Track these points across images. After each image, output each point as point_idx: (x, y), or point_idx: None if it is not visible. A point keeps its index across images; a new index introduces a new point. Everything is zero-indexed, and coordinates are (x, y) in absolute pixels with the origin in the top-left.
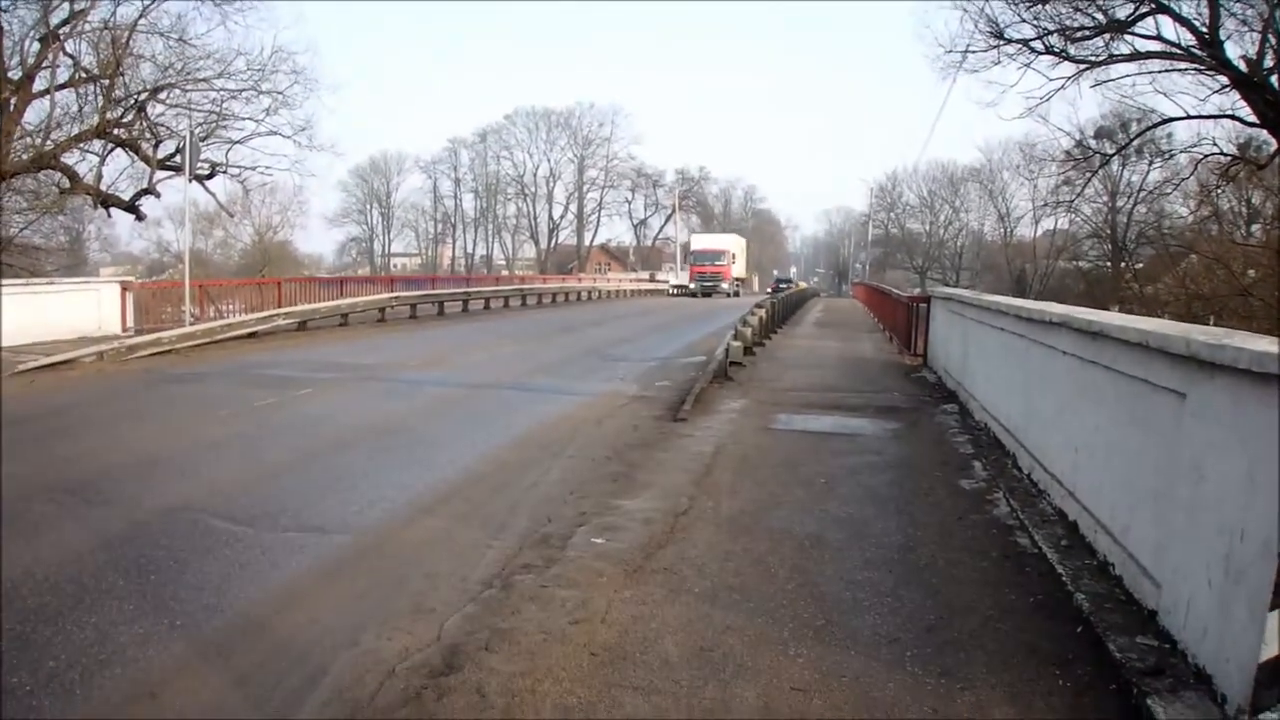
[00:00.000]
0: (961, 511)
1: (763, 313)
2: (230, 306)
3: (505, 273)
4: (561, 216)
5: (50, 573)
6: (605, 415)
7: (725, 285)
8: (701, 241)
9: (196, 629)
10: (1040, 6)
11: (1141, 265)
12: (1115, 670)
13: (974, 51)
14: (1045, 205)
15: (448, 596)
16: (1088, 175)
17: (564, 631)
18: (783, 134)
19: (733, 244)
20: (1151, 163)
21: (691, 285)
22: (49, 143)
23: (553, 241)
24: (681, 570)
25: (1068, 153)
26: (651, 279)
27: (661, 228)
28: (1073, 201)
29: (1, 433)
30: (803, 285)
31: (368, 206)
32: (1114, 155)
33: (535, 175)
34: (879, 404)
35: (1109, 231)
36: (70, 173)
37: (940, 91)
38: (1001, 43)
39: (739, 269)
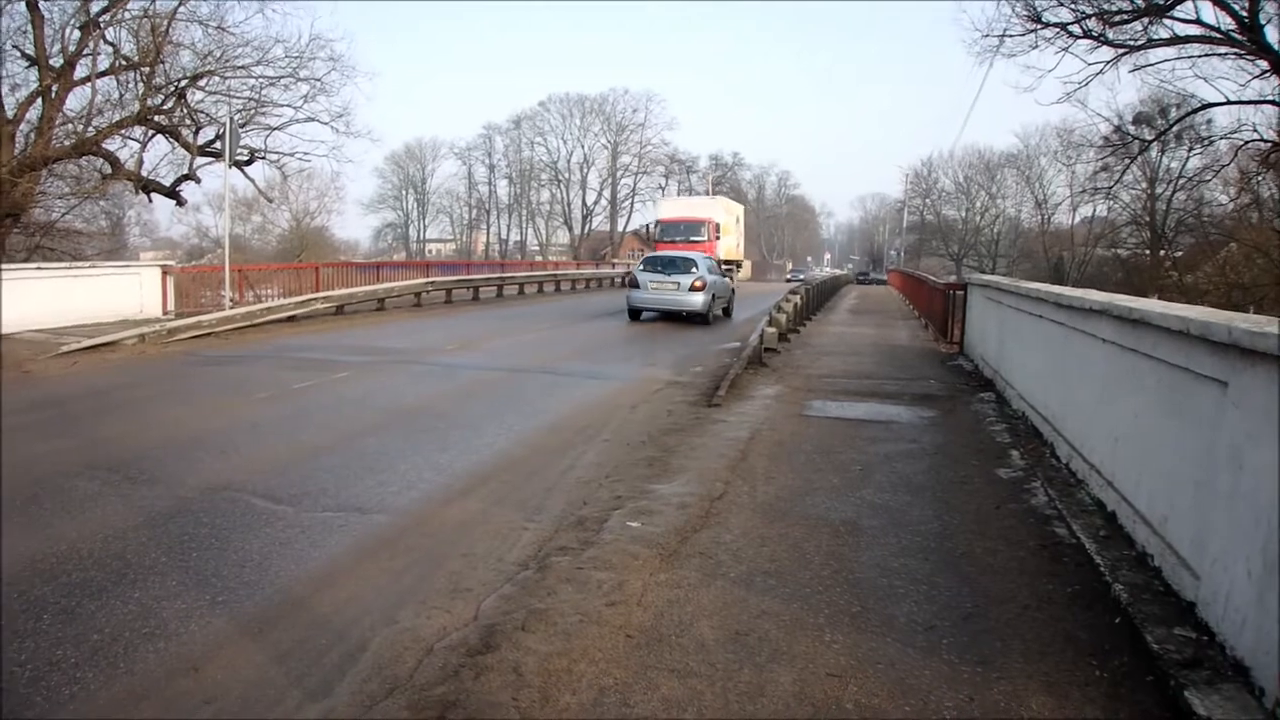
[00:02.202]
0: (999, 500)
1: (797, 299)
2: (268, 291)
3: (539, 258)
4: (595, 202)
5: (95, 548)
6: (640, 400)
7: None
8: (672, 208)
9: (238, 605)
10: None
11: (1181, 253)
12: (1153, 661)
13: (1011, 35)
14: (1083, 192)
15: (485, 577)
16: (1126, 162)
17: (600, 613)
18: (817, 119)
19: (717, 211)
20: (1191, 149)
21: None
22: (90, 129)
23: (586, 227)
24: (717, 555)
25: (1106, 139)
26: None
27: None
28: (1111, 188)
29: (1, 421)
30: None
31: (403, 193)
32: (1153, 141)
33: (569, 161)
34: (915, 391)
35: (1148, 219)
36: (111, 159)
37: (976, 76)
38: (1039, 26)
39: (729, 247)
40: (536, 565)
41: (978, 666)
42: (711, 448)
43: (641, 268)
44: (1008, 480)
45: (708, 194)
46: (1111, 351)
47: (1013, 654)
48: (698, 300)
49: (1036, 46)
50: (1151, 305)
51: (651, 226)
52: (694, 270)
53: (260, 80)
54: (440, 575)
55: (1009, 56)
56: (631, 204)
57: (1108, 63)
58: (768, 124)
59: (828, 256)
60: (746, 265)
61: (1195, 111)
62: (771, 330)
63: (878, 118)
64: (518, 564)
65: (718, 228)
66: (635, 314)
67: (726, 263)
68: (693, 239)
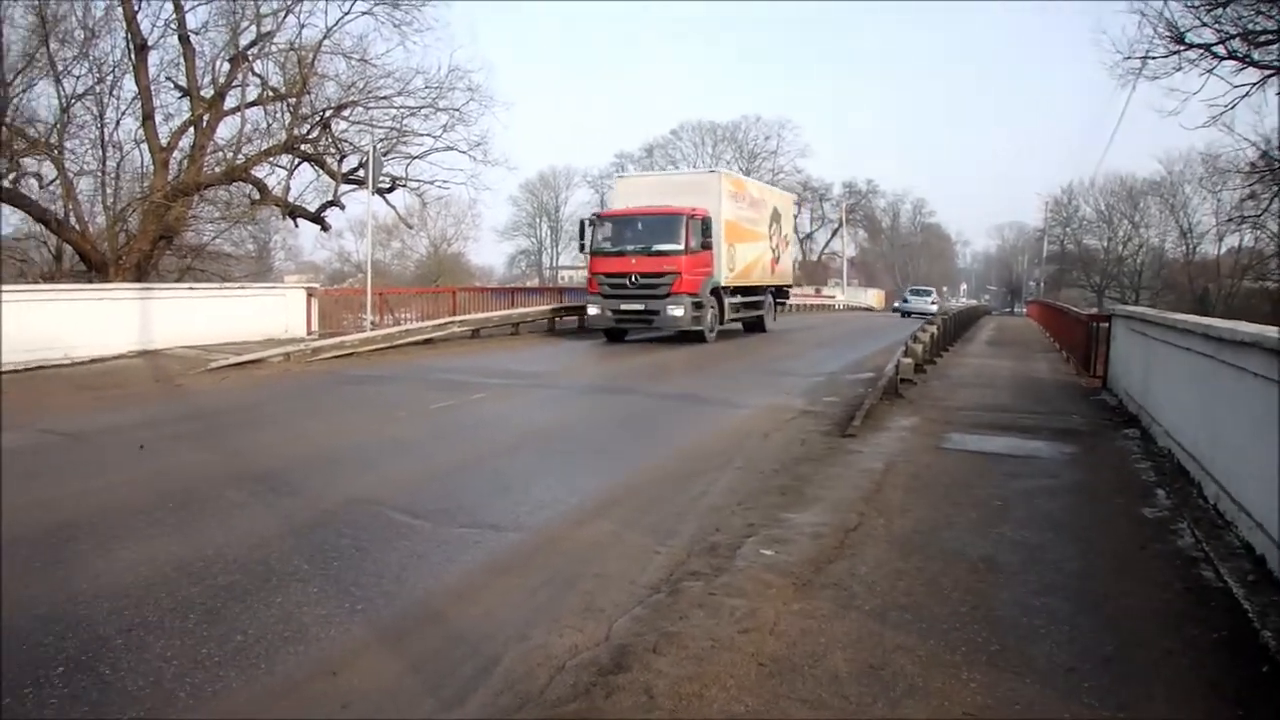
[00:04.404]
0: (1143, 540)
1: (934, 329)
2: (407, 314)
3: None
4: None
5: (240, 554)
6: (772, 428)
7: (678, 310)
8: (629, 192)
9: (376, 614)
10: (1220, 9)
11: None
12: None
13: (1153, 57)
14: (1229, 221)
15: (617, 598)
16: (1275, 189)
17: (732, 639)
18: (953, 145)
19: (713, 195)
20: None
21: (592, 309)
22: (240, 157)
23: None
24: (851, 586)
25: (1252, 164)
26: (817, 293)
27: (828, 242)
28: (1259, 217)
29: (2, 451)
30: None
31: (537, 220)
32: None
33: None
34: (1055, 426)
35: None
36: (260, 185)
37: (1118, 100)
38: (1182, 48)
39: (752, 260)
40: (668, 589)
41: (1119, 712)
42: (846, 478)
43: (910, 291)
44: (1152, 520)
45: (841, 222)
46: (1261, 386)
47: (1155, 700)
48: (934, 308)
49: (1180, 69)
50: None
51: (588, 224)
52: (932, 294)
53: (401, 110)
54: (573, 594)
55: (1151, 79)
56: None
57: (1254, 84)
58: (903, 149)
59: (964, 286)
60: (871, 295)
61: None
62: (908, 361)
63: (1015, 143)
64: (649, 587)
65: (705, 227)
66: (904, 314)
67: (751, 290)
68: (659, 247)
